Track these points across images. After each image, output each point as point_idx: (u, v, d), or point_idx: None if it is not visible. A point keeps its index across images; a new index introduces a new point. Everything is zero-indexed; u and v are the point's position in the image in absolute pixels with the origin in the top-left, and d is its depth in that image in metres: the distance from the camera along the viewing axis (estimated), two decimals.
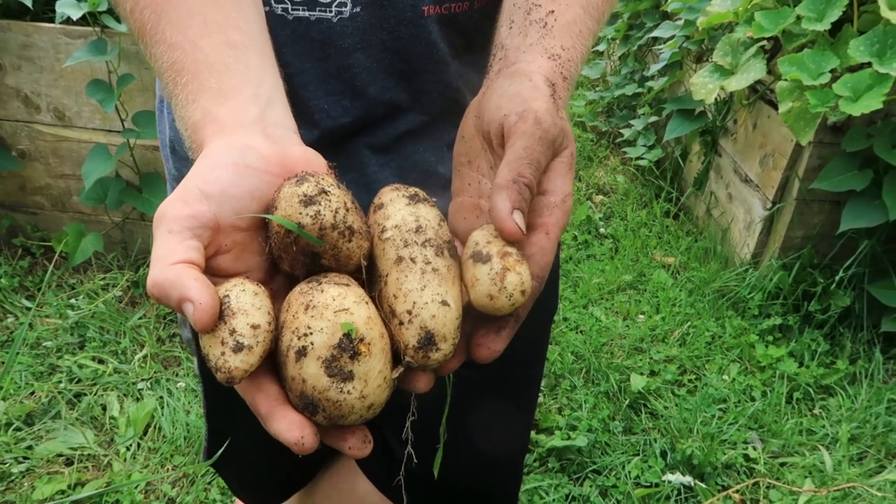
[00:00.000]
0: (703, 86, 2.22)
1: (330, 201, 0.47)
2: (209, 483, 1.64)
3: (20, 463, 1.65)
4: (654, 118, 3.13)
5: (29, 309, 2.10)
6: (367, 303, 0.46)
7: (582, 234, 2.71)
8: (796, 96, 1.89)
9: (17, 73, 2.04)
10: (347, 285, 0.47)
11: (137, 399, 1.85)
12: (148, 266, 2.18)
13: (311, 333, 0.44)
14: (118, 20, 1.95)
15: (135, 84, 1.98)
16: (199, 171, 0.47)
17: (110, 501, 1.57)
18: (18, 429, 1.73)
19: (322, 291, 0.45)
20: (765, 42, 2.15)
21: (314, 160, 0.52)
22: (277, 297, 0.49)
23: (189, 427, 1.76)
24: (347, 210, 0.48)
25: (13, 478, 1.61)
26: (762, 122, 2.28)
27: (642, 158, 3.08)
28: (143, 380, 1.91)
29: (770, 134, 2.23)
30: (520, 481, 1.04)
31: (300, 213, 0.46)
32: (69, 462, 1.68)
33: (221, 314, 0.43)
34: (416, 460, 0.58)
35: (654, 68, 3.06)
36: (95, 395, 1.85)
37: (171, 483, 1.65)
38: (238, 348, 0.43)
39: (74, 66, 1.98)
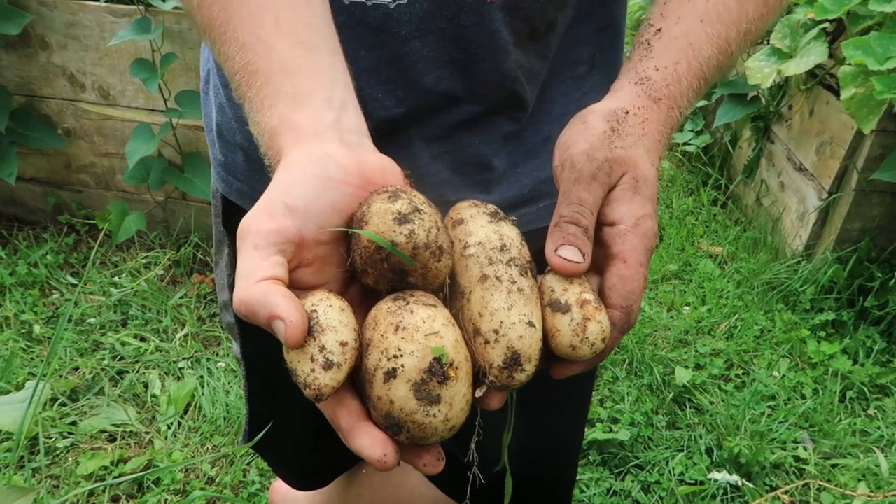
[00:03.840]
0: (759, 70, 2.13)
1: (423, 220, 0.47)
2: (248, 464, 1.65)
3: (65, 438, 1.67)
4: (702, 102, 3.03)
5: (74, 286, 2.13)
6: (453, 325, 0.46)
7: None
8: (860, 82, 1.80)
9: (63, 51, 2.06)
10: (435, 306, 0.47)
11: (178, 378, 1.86)
12: (189, 245, 2.20)
13: (402, 356, 0.44)
14: None
15: (178, 63, 1.98)
16: (282, 182, 0.48)
17: (151, 478, 1.59)
18: (63, 404, 1.76)
19: (412, 312, 0.45)
20: (827, 24, 2.05)
21: (389, 168, 0.52)
22: (353, 307, 0.48)
23: (229, 407, 1.77)
24: (438, 229, 0.47)
25: (58, 452, 1.64)
26: (820, 109, 2.18)
27: (689, 144, 2.99)
28: (183, 359, 1.92)
29: (828, 121, 2.13)
30: (576, 469, 1.04)
31: (394, 231, 0.46)
32: (112, 438, 1.70)
33: (310, 330, 0.44)
34: (482, 480, 0.56)
35: None
36: (137, 372, 1.87)
37: (210, 463, 1.66)
38: (328, 366, 0.43)
39: (119, 45, 1.98)
